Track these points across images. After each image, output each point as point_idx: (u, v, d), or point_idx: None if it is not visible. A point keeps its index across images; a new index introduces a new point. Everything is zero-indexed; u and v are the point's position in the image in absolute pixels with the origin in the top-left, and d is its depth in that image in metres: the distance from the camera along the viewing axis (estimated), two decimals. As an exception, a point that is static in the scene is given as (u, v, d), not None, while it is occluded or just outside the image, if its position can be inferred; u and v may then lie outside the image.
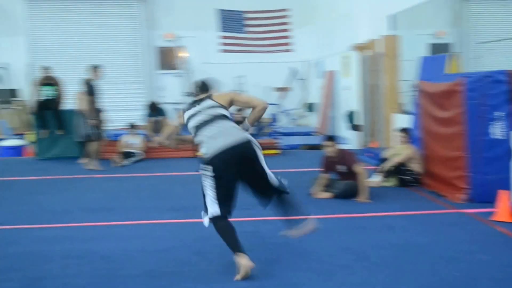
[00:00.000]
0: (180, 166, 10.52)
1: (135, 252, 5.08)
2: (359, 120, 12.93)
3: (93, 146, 10.47)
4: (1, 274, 4.54)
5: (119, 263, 4.79)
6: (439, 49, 11.28)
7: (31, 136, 13.03)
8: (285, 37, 16.41)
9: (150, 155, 11.63)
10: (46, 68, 11.83)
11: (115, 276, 4.48)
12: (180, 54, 17.46)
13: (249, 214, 6.04)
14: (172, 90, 17.43)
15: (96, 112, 10.56)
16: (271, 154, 11.94)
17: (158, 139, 11.36)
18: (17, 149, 13.44)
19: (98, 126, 10.59)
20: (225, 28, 16.43)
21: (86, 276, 4.48)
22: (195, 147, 11.83)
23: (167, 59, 17.97)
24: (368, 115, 12.68)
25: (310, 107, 17.10)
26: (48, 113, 11.70)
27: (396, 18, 11.58)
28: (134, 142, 11.52)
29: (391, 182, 8.17)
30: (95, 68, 10.49)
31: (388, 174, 8.17)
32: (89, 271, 4.61)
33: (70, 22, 17.64)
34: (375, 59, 12.05)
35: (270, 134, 13.38)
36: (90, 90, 10.35)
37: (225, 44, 16.39)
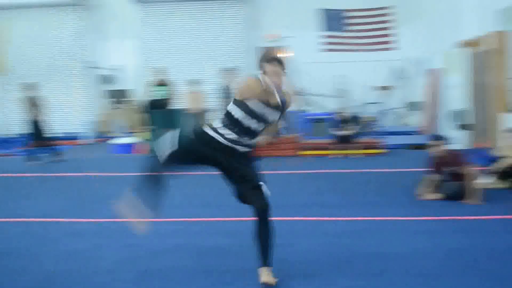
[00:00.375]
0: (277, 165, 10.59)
1: (239, 247, 5.18)
2: (468, 119, 12.46)
3: None
4: (122, 265, 4.78)
5: (223, 258, 4.91)
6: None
7: (143, 134, 13.60)
8: (387, 35, 16.09)
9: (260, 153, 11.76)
10: (158, 69, 12.31)
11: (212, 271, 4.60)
12: (281, 54, 17.58)
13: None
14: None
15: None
16: (374, 153, 11.78)
17: (266, 138, 11.55)
18: (130, 146, 14.04)
19: None
20: (326, 27, 16.34)
21: (187, 270, 4.60)
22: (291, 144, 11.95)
23: (269, 59, 18.13)
24: (476, 114, 12.21)
25: (413, 106, 16.68)
26: (159, 112, 12.17)
27: (505, 13, 11.05)
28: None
29: (506, 184, 7.79)
30: (229, 71, 10.61)
31: (503, 175, 7.81)
32: (191, 265, 4.74)
33: (178, 24, 18.25)
34: (483, 56, 11.57)
35: (373, 133, 13.20)
36: (226, 94, 10.46)
37: (327, 43, 16.30)
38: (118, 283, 4.35)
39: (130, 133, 16.12)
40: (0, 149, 16.30)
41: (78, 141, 17.31)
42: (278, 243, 4.36)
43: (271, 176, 9.35)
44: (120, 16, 18.66)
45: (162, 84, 12.20)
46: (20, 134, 18.55)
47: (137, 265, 4.77)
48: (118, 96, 18.50)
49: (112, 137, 16.19)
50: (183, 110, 11.89)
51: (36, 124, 11.72)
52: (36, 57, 19.17)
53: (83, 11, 18.83)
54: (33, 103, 11.78)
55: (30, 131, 11.84)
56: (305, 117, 14.21)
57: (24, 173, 10.53)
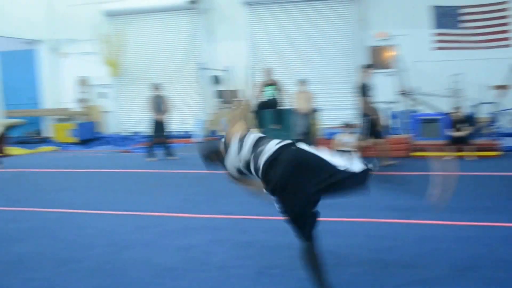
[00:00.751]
0: (392, 166, 10.33)
1: (358, 249, 5.10)
2: None
3: (380, 145, 10.34)
4: (234, 261, 4.85)
5: (343, 259, 4.85)
6: None
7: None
8: (505, 31, 15.28)
9: (364, 154, 11.59)
10: (267, 70, 12.43)
11: (339, 272, 4.55)
12: (392, 53, 17.18)
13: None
14: (383, 90, 17.20)
15: (372, 111, 10.30)
16: (490, 156, 11.22)
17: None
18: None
19: (376, 124, 10.33)
20: (439, 25, 15.77)
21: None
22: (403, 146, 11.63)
23: (378, 58, 17.79)
24: None
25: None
26: (267, 113, 12.29)
27: None
28: (348, 141, 11.59)
29: None
30: (366, 68, 10.50)
31: None
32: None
33: (286, 25, 18.32)
34: None
35: (489, 135, 12.57)
36: (364, 91, 10.28)
37: (439, 41, 15.73)
38: (231, 279, 4.41)
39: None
40: (120, 146, 17.16)
41: (191, 139, 17.84)
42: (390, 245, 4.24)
43: (384, 176, 9.20)
44: (230, 19, 19.02)
45: (271, 84, 12.31)
46: (138, 132, 19.50)
47: (251, 262, 4.82)
48: (228, 96, 18.87)
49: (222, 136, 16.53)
50: (292, 110, 11.93)
51: (158, 123, 12.21)
52: (152, 60, 19.98)
53: (195, 14, 19.37)
54: (158, 103, 12.27)
55: (151, 129, 12.32)
56: (416, 117, 13.78)
57: (142, 169, 10.99)
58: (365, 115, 10.23)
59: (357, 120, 13.36)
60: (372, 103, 10.27)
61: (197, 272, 4.60)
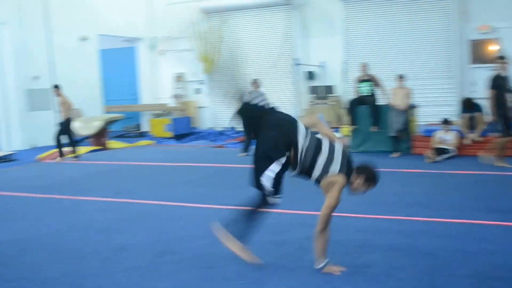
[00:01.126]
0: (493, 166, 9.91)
1: (458, 252, 4.94)
2: None
3: (502, 142, 9.87)
4: (331, 258, 4.83)
5: (442, 261, 4.72)
6: None
7: (345, 130, 13.65)
8: None
9: (463, 152, 11.22)
10: (363, 65, 12.25)
11: (438, 274, 4.42)
12: (495, 47, 16.43)
13: None
14: (485, 85, 16.53)
15: (505, 107, 9.68)
16: None
17: (472, 136, 10.91)
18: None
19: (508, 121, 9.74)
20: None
21: (409, 270, 4.51)
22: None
23: (480, 52, 17.08)
24: None
25: None
26: (363, 109, 12.12)
27: None
28: (447, 138, 11.24)
29: None
30: (501, 58, 10.05)
31: None
32: (411, 265, 4.63)
33: (383, 19, 17.97)
34: None
35: None
36: (497, 84, 9.67)
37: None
38: (325, 277, 4.39)
39: (334, 128, 16.29)
40: (214, 141, 17.52)
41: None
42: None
43: (485, 176, 8.87)
44: (325, 14, 18.91)
45: (367, 79, 12.12)
46: (233, 127, 19.83)
47: (346, 260, 4.78)
48: (322, 92, 18.79)
49: (314, 133, 16.49)
50: (389, 106, 11.70)
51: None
52: (246, 56, 20.23)
53: (290, 10, 19.41)
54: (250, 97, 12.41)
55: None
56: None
57: (236, 164, 11.16)
58: (498, 109, 9.61)
59: (456, 117, 12.95)
60: (506, 97, 9.59)
61: (292, 268, 4.62)
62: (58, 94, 12.93)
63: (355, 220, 6.21)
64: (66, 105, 12.77)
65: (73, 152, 12.75)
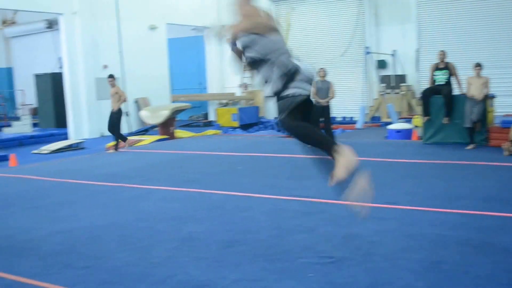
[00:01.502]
0: None
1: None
2: None
3: None
4: (400, 253, 4.73)
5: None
6: None
7: (417, 120, 13.33)
8: None
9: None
10: (440, 53, 11.88)
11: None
12: None
13: None
14: None
15: None
16: None
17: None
18: (404, 132, 13.92)
19: None
20: None
21: (486, 268, 4.35)
22: None
23: None
24: None
25: None
26: (437, 99, 11.78)
27: None
28: (526, 130, 10.78)
29: None
30: None
31: None
32: (489, 262, 4.46)
33: (459, 3, 17.44)
34: None
35: None
36: None
37: None
38: (397, 272, 4.30)
39: (405, 119, 15.97)
40: (282, 131, 17.49)
41: (354, 126, 17.72)
42: None
43: None
44: (398, 1, 18.51)
45: (442, 68, 11.76)
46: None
47: (418, 255, 4.66)
48: (394, 81, 18.43)
49: (387, 123, 16.22)
50: (465, 96, 11.33)
51: (321, 108, 12.24)
52: (315, 45, 20.09)
53: (362, -4, 19.14)
54: (321, 88, 12.28)
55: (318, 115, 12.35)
56: None
57: (302, 154, 11.08)
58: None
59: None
60: None
61: (362, 262, 4.55)
62: (113, 85, 12.73)
63: (428, 214, 6.04)
64: (118, 96, 12.62)
65: (115, 145, 12.75)
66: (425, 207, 6.27)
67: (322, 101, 12.30)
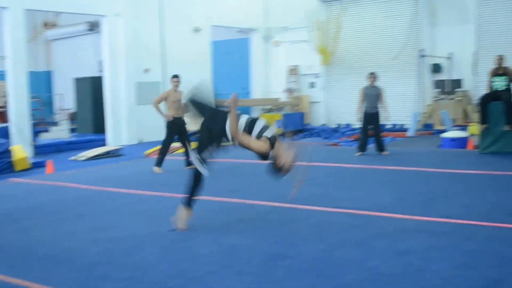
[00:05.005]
0: None
1: None
2: None
3: None
4: (456, 271, 4.65)
5: None
6: None
7: (473, 128, 13.09)
8: None
9: None
10: (499, 57, 11.65)
11: None
12: None
13: None
14: None
15: None
16: None
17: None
18: (459, 140, 13.69)
19: None
20: None
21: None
22: None
23: None
24: None
25: None
26: (496, 105, 11.54)
27: None
28: None
29: None
30: None
31: None
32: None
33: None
34: None
35: None
36: None
37: None
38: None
39: (461, 127, 15.71)
40: (328, 138, 17.45)
41: (405, 133, 17.52)
42: None
43: None
44: (456, 0, 18.24)
45: (501, 74, 11.52)
46: (349, 124, 19.63)
47: (476, 274, 4.57)
48: (449, 86, 18.15)
49: (440, 131, 15.98)
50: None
51: (370, 115, 12.10)
52: (367, 47, 19.94)
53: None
54: (371, 94, 12.12)
55: (362, 122, 12.22)
56: None
57: (351, 164, 11.03)
58: None
59: None
60: None
61: (415, 279, 4.49)
62: (177, 87, 11.14)
63: (485, 228, 5.93)
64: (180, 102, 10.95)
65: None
66: (482, 221, 6.15)
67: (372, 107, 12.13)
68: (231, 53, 23.33)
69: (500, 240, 5.49)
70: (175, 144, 13.10)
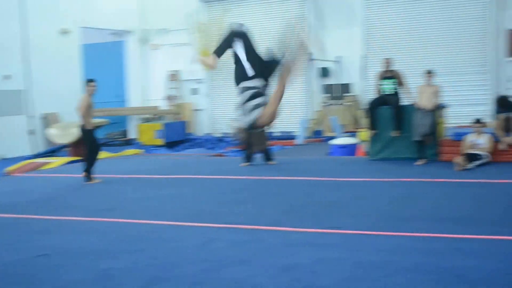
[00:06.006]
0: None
1: (491, 273, 4.88)
2: None
3: None
4: (345, 284, 4.80)
5: (474, 284, 4.65)
6: None
7: (362, 134, 13.63)
8: None
9: (498, 158, 11.18)
10: (386, 60, 12.18)
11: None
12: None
13: None
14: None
15: None
16: None
17: (509, 139, 10.93)
18: (349, 147, 14.18)
19: None
20: None
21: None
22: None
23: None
24: None
25: None
26: (385, 110, 12.06)
27: None
28: (479, 142, 11.19)
29: None
30: None
31: None
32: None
33: (408, 7, 17.98)
34: None
35: None
36: None
37: None
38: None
39: (350, 133, 16.26)
40: (213, 149, 17.50)
41: (294, 141, 17.89)
42: None
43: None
44: (343, 2, 18.88)
45: (389, 77, 12.08)
46: (228, 133, 19.75)
47: (368, 285, 4.74)
48: (338, 91, 18.75)
49: (330, 137, 16.47)
50: (414, 106, 11.66)
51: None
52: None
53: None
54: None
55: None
56: None
57: (237, 175, 11.13)
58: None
59: (490, 118, 12.89)
60: None
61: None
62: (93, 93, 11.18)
63: (375, 238, 6.17)
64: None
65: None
66: (372, 231, 6.40)
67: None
68: (105, 58, 22.86)
69: (389, 249, 5.73)
70: (39, 160, 12.64)
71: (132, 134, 21.17)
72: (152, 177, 11.41)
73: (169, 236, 6.66)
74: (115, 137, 21.38)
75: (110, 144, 19.75)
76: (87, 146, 11.04)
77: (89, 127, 10.94)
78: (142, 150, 17.14)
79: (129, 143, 20.07)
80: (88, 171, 10.97)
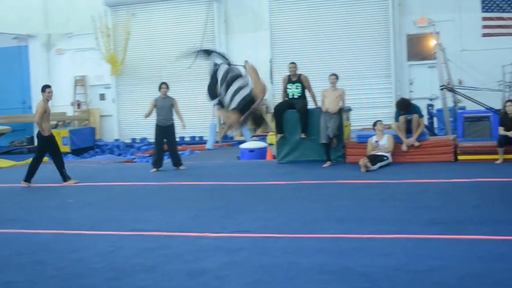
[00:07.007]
0: (434, 172, 10.21)
1: (393, 271, 5.01)
2: None
3: None
4: (255, 287, 4.81)
5: (378, 283, 4.77)
6: None
7: (271, 138, 13.74)
8: None
9: (399, 159, 11.49)
10: (292, 65, 12.29)
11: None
12: (433, 41, 17.03)
13: None
14: (423, 84, 17.10)
15: None
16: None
17: (408, 140, 11.29)
18: (258, 151, 14.26)
19: None
20: (487, 8, 15.64)
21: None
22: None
23: (417, 48, 17.68)
24: None
25: None
26: (291, 114, 12.18)
27: None
28: (382, 144, 11.47)
29: None
30: None
31: None
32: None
33: (313, 12, 18.30)
34: None
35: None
36: None
37: (488, 27, 15.59)
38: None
39: (260, 137, 16.37)
40: (121, 155, 17.21)
41: (204, 146, 17.86)
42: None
43: (425, 185, 9.09)
44: (249, 7, 19.01)
45: (295, 81, 12.20)
46: (143, 139, 19.52)
47: (274, 288, 4.77)
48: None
49: (241, 141, 16.52)
50: (319, 110, 11.84)
51: (164, 128, 12.08)
52: (159, 56, 20.02)
53: (210, 2, 19.41)
54: (163, 105, 12.11)
55: (156, 135, 12.18)
56: (462, 115, 13.59)
57: (146, 181, 10.99)
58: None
59: (392, 120, 13.27)
60: None
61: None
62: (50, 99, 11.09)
63: (281, 240, 6.21)
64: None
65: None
66: (279, 234, 6.44)
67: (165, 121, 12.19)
68: (8, 63, 22.12)
69: (295, 251, 5.78)
70: None
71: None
72: (57, 186, 11.08)
73: (74, 246, 6.46)
74: (21, 144, 20.69)
75: (13, 152, 19.09)
76: (50, 152, 11.14)
77: (46, 133, 10.85)
78: (48, 158, 16.59)
79: (35, 150, 19.41)
80: (63, 174, 11.03)
